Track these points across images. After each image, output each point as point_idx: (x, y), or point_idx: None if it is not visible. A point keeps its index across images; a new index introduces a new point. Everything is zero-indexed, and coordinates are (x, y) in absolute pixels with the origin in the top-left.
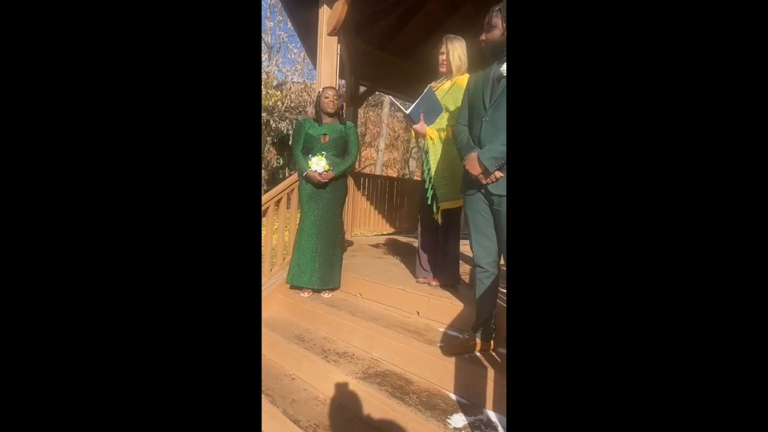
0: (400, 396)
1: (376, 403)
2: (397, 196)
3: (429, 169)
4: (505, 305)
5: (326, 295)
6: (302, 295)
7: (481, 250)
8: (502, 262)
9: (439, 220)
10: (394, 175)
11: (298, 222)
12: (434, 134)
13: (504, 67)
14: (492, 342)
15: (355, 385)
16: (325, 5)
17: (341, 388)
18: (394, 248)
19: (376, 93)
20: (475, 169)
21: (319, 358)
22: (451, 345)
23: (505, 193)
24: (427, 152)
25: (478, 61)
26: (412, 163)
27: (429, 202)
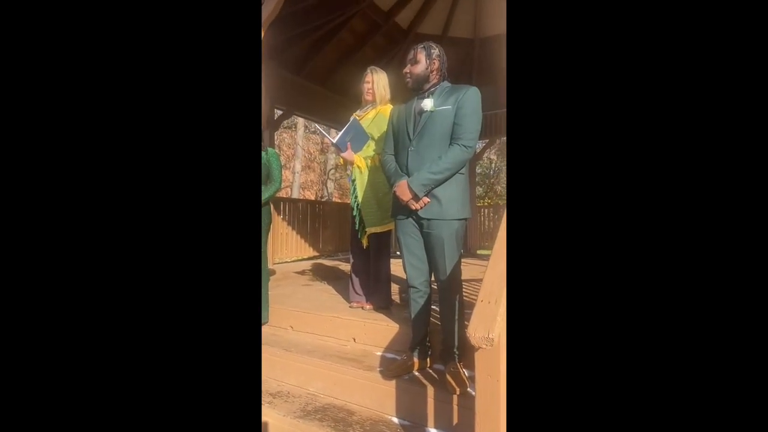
0: (343, 429)
1: None
2: (318, 219)
3: (356, 197)
4: (439, 323)
5: None
6: None
7: (414, 270)
8: (432, 279)
9: (365, 245)
10: (312, 197)
11: None
12: (362, 162)
13: (424, 102)
14: (428, 359)
15: (294, 425)
16: None
17: (279, 431)
18: (320, 273)
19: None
20: (405, 195)
21: None
22: (390, 368)
23: (433, 216)
24: (354, 180)
25: (398, 91)
26: (331, 185)
27: (356, 228)
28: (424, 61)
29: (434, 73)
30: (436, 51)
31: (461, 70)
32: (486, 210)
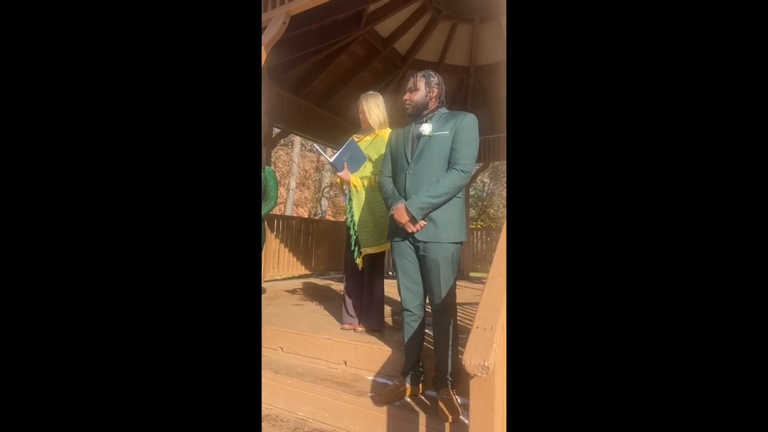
0: None
1: None
2: (311, 237)
3: (352, 216)
4: (432, 347)
5: None
6: None
7: (409, 293)
8: (427, 302)
9: (360, 266)
10: (305, 214)
11: None
12: (358, 182)
13: (423, 127)
14: (421, 386)
15: None
16: None
17: None
18: (312, 293)
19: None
20: (402, 218)
21: None
22: (381, 394)
23: (429, 239)
24: (351, 199)
25: (396, 113)
26: (325, 203)
27: (352, 248)
28: (423, 89)
29: (433, 100)
30: (435, 79)
31: (457, 96)
32: (479, 232)
